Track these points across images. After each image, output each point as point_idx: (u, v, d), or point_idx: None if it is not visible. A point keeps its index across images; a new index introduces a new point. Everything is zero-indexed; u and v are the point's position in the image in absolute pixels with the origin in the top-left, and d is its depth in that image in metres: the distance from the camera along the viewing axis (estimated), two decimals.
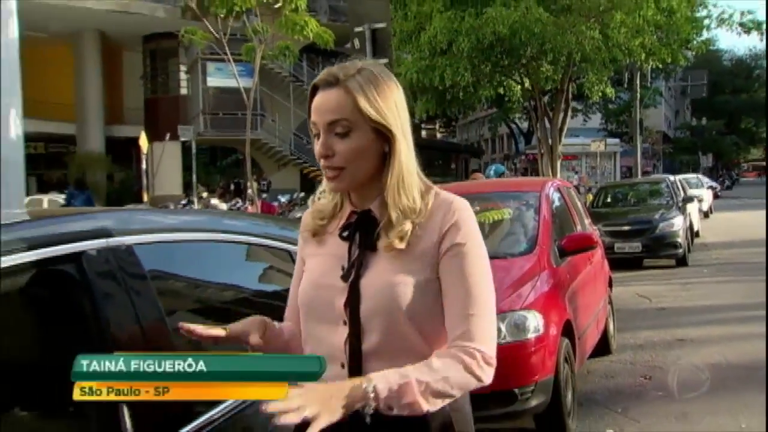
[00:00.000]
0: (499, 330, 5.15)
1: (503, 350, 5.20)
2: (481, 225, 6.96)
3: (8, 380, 1.98)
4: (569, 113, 22.92)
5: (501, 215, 6.94)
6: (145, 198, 23.55)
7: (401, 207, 1.82)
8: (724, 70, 70.45)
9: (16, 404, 2.08)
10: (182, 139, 24.93)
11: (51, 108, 28.11)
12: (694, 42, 20.63)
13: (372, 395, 1.64)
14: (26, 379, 2.02)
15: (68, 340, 1.98)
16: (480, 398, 3.72)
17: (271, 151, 32.26)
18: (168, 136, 26.15)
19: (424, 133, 48.18)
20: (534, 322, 5.25)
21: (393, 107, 1.84)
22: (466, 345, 1.76)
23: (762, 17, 19.45)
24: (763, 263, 13.38)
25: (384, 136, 1.83)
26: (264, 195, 25.43)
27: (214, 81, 30.97)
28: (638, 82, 30.09)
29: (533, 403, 5.16)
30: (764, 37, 20.10)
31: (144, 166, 23.67)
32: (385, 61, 9.81)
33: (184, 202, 23.56)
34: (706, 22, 19.87)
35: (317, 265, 1.92)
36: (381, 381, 1.66)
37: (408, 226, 1.81)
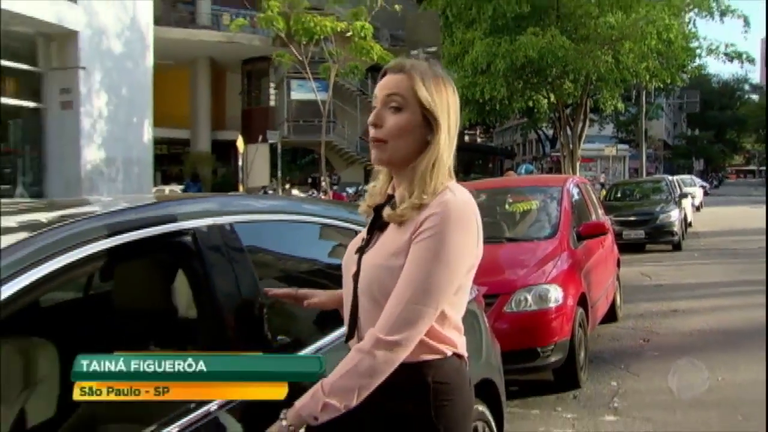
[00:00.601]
0: (525, 300, 5.14)
1: (529, 316, 5.27)
2: (512, 214, 6.92)
3: (143, 324, 2.03)
4: (587, 123, 22.59)
5: (529, 206, 6.88)
6: (241, 189, 23.85)
7: (416, 191, 1.64)
8: (713, 91, 69.89)
9: (150, 341, 2.13)
10: (270, 141, 25.18)
11: (172, 118, 28.61)
12: (689, 67, 20.58)
13: (284, 422, 1.48)
14: (156, 323, 2.08)
15: (186, 296, 2.01)
16: (509, 355, 3.74)
17: (341, 152, 32.41)
18: (260, 139, 26.42)
19: (467, 138, 47.80)
20: (555, 294, 5.22)
21: (444, 103, 1.69)
22: (370, 332, 1.57)
23: (742, 50, 19.43)
24: (739, 249, 13.36)
25: (430, 126, 1.67)
26: (335, 187, 25.59)
27: (296, 95, 31.22)
28: (644, 98, 29.70)
29: (552, 359, 5.14)
30: (744, 64, 19.95)
31: (240, 163, 23.97)
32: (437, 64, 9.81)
33: (270, 191, 23.80)
34: (698, 51, 19.71)
35: (354, 242, 1.81)
36: (291, 408, 1.49)
37: (408, 213, 1.63)
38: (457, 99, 1.77)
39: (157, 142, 20.08)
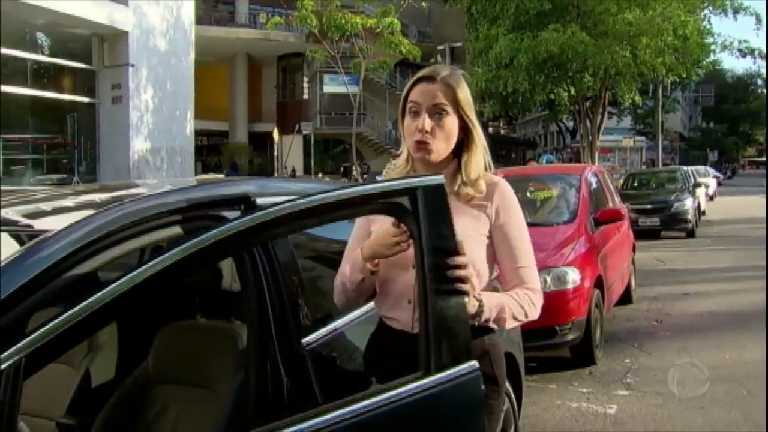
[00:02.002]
0: (544, 281, 5.13)
1: (547, 297, 5.14)
2: (534, 200, 6.92)
3: (191, 296, 2.10)
4: (606, 115, 22.32)
5: (550, 193, 6.87)
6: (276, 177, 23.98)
7: (470, 178, 1.83)
8: (727, 85, 68.72)
9: (198, 312, 2.20)
10: (304, 132, 25.31)
11: (212, 111, 28.89)
12: (704, 62, 20.13)
13: (483, 310, 1.70)
14: (203, 295, 2.15)
15: (229, 272, 2.06)
16: (529, 332, 3.77)
17: (371, 142, 32.42)
18: (296, 129, 26.57)
19: (490, 129, 47.50)
20: (573, 275, 5.22)
21: (471, 104, 1.85)
22: (529, 287, 1.83)
23: (755, 46, 18.95)
24: (750, 236, 13.18)
25: (463, 126, 1.84)
26: (365, 175, 25.65)
27: (328, 88, 31.26)
28: (660, 92, 29.20)
29: (570, 337, 5.15)
30: (757, 60, 19.48)
31: (275, 153, 24.14)
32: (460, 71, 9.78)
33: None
34: (713, 47, 19.27)
35: (362, 224, 1.92)
36: (488, 302, 1.72)
37: (472, 192, 1.83)
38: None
39: (198, 133, 20.31)
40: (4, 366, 0.98)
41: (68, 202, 1.94)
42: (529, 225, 6.03)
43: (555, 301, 5.08)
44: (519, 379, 3.29)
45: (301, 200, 1.45)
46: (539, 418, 4.37)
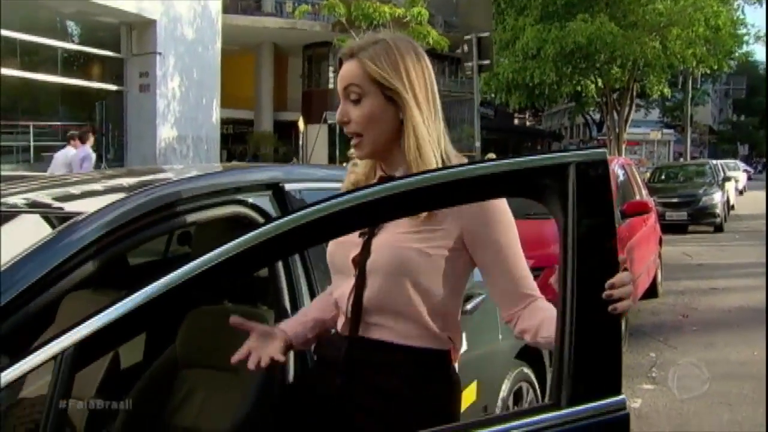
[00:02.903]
0: None
1: None
2: None
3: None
4: (633, 108, 22.07)
5: None
6: None
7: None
8: (759, 77, 67.04)
9: (225, 298, 2.21)
10: (329, 122, 25.34)
11: (237, 100, 29.01)
12: (736, 53, 19.79)
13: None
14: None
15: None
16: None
17: None
18: (323, 118, 26.63)
19: (516, 121, 47.25)
20: None
21: (402, 73, 1.47)
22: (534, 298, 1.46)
23: None
24: None
25: (397, 103, 1.47)
26: None
27: None
28: (690, 84, 28.76)
29: None
30: None
31: (301, 142, 24.21)
32: (487, 62, 9.71)
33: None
34: (746, 38, 18.90)
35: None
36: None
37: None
38: (422, 61, 1.52)
39: (224, 122, 20.43)
40: (53, 354, 0.96)
41: (97, 186, 1.95)
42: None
43: None
44: (544, 370, 3.27)
45: (405, 181, 1.16)
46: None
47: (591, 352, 1.18)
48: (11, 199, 1.86)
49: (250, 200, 1.74)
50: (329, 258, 1.54)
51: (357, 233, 1.47)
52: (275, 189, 1.86)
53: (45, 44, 13.70)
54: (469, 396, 2.46)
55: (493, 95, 21.40)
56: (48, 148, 14.47)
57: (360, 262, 1.45)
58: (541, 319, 1.41)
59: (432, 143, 1.47)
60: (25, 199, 1.84)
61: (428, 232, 1.44)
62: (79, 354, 0.95)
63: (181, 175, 1.96)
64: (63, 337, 0.94)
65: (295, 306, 1.83)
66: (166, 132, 14.70)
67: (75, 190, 1.98)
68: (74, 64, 15.03)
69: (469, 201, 1.35)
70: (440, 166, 1.45)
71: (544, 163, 1.23)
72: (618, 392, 1.18)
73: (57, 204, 1.75)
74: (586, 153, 1.22)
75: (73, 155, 9.63)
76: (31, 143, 14.03)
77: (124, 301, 0.98)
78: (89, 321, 0.96)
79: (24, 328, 1.20)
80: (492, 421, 1.19)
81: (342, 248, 1.49)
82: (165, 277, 1.01)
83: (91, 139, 10.07)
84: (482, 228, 1.46)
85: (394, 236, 1.44)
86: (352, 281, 1.47)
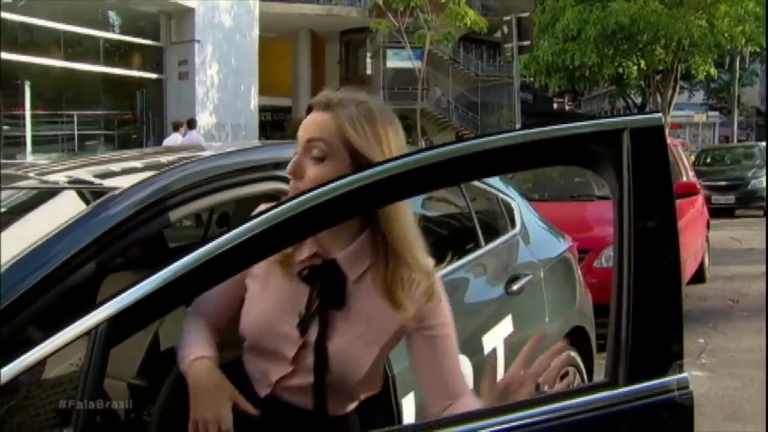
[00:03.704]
0: None
1: None
2: None
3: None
4: (677, 90, 21.53)
5: None
6: None
7: (409, 271, 1.34)
8: None
9: None
10: None
11: (275, 87, 29.13)
12: None
13: None
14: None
15: None
16: (598, 308, 3.62)
17: (434, 118, 32.19)
18: None
19: (555, 105, 46.56)
20: None
21: (384, 146, 1.32)
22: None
23: None
24: None
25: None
26: None
27: (391, 63, 31.16)
28: (738, 64, 27.91)
29: None
30: None
31: None
32: (527, 42, 9.54)
33: None
34: None
35: (269, 306, 1.38)
36: None
37: (410, 308, 1.34)
38: (401, 136, 1.39)
39: (262, 109, 20.54)
40: (86, 329, 0.93)
41: (136, 164, 1.93)
42: (598, 198, 5.84)
43: None
44: (591, 355, 3.19)
45: (449, 148, 1.08)
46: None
47: (650, 326, 1.11)
48: (51, 177, 1.85)
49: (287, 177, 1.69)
50: (252, 340, 1.38)
51: (292, 322, 1.33)
52: None
53: (87, 34, 13.90)
54: None
55: (532, 79, 21.06)
56: (91, 137, 14.74)
57: (317, 371, 1.33)
58: None
59: (413, 229, 1.36)
60: (66, 176, 1.83)
61: (376, 325, 1.36)
62: (113, 329, 0.91)
63: (218, 151, 1.93)
64: (96, 311, 0.91)
65: None
66: (204, 119, 14.83)
67: (114, 167, 1.96)
68: (115, 53, 15.24)
69: (516, 169, 1.32)
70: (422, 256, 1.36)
71: (596, 128, 1.16)
72: (680, 370, 1.11)
73: (97, 181, 1.73)
74: (641, 118, 1.15)
75: (182, 141, 9.94)
76: (75, 132, 14.29)
77: (159, 274, 0.94)
78: (124, 294, 0.92)
79: (61, 305, 1.17)
80: (544, 400, 1.13)
81: (274, 338, 1.35)
82: (200, 249, 0.96)
83: (197, 126, 10.40)
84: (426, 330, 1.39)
85: (349, 343, 1.34)
86: (284, 369, 1.34)
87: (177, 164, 1.59)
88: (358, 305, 1.35)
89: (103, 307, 0.91)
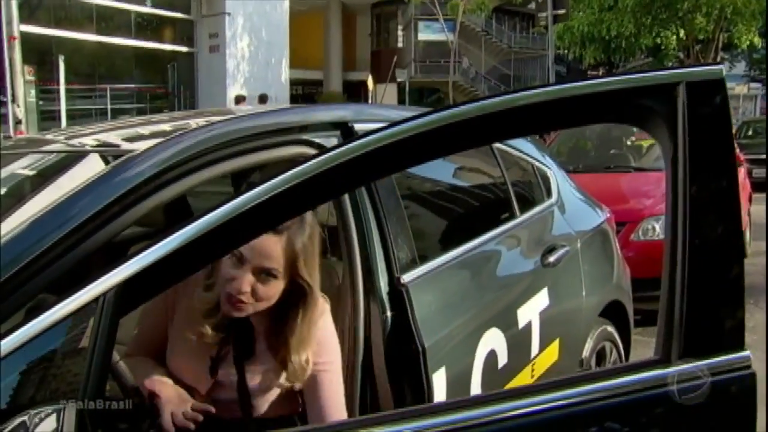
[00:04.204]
0: (653, 228, 4.86)
1: (657, 245, 4.94)
2: (639, 147, 6.52)
3: None
4: (718, 60, 20.88)
5: (654, 141, 6.45)
6: None
7: (303, 355, 1.52)
8: None
9: None
10: (399, 80, 25.11)
11: (306, 60, 29.01)
12: None
13: None
14: None
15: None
16: (634, 283, 3.53)
17: (465, 90, 31.79)
18: (390, 76, 26.39)
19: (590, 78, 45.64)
20: None
21: (313, 265, 1.52)
22: None
23: None
24: None
25: (301, 290, 1.50)
26: None
27: (423, 36, 30.81)
28: None
29: None
30: None
31: (369, 101, 24.06)
32: (562, 11, 9.28)
33: None
34: None
35: (186, 350, 1.54)
36: None
37: (309, 370, 1.53)
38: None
39: (293, 83, 20.45)
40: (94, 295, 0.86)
41: (166, 127, 1.86)
42: (635, 170, 5.67)
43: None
44: (628, 330, 3.09)
45: (490, 101, 1.01)
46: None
47: (707, 300, 1.03)
48: (76, 140, 1.80)
49: (317, 140, 1.61)
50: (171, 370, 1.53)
51: (204, 367, 1.50)
52: (344, 129, 1.72)
53: (119, 8, 13.92)
54: (550, 355, 2.31)
55: (566, 50, 20.63)
56: (123, 111, 14.84)
57: (243, 409, 1.52)
58: None
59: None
60: (95, 139, 1.78)
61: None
62: (123, 296, 0.84)
63: (245, 113, 1.86)
64: (104, 277, 0.84)
65: (366, 258, 1.71)
66: (235, 92, 14.81)
67: (144, 130, 1.90)
68: (147, 27, 15.27)
69: (558, 127, 1.23)
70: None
71: (648, 82, 1.06)
72: (740, 347, 1.04)
73: (126, 145, 1.66)
74: (699, 70, 1.05)
75: None
76: (108, 106, 14.40)
77: (173, 236, 0.86)
78: (135, 258, 0.86)
79: (80, 268, 1.11)
80: (590, 378, 1.04)
81: (189, 377, 1.52)
82: (218, 210, 0.89)
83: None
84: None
85: (266, 378, 1.52)
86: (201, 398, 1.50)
87: (203, 126, 1.53)
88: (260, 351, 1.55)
89: (109, 273, 0.84)
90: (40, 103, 13.06)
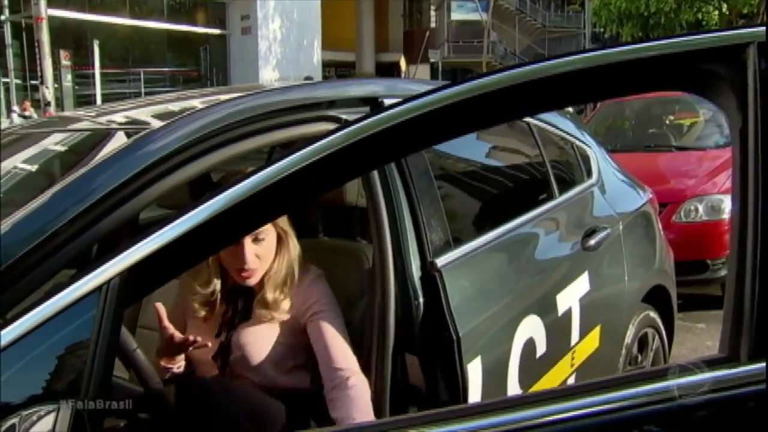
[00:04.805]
0: (696, 210, 4.68)
1: (700, 227, 4.78)
2: (680, 126, 6.30)
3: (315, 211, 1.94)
4: None
5: (696, 118, 6.22)
6: None
7: (278, 291, 1.67)
8: None
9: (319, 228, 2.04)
10: (432, 60, 24.87)
11: (338, 42, 28.86)
12: None
13: None
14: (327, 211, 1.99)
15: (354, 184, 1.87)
16: (678, 266, 3.40)
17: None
18: (421, 56, 26.18)
19: None
20: (728, 205, 4.69)
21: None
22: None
23: None
24: None
25: (278, 236, 1.68)
26: None
27: (456, 15, 30.43)
28: None
29: (722, 273, 4.65)
30: None
31: None
32: None
33: None
34: None
35: (195, 327, 1.72)
36: None
37: (286, 305, 1.68)
38: None
39: (325, 65, 20.39)
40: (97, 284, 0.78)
41: (195, 103, 1.79)
42: (677, 148, 5.46)
43: (707, 233, 4.63)
44: (671, 315, 2.96)
45: (532, 67, 0.91)
46: (686, 360, 3.98)
47: None
48: (103, 118, 1.74)
49: (345, 116, 1.52)
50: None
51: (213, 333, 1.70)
52: (374, 105, 1.62)
53: None
54: (590, 343, 2.20)
55: (602, 29, 20.13)
56: (157, 94, 14.94)
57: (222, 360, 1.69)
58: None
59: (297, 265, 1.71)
60: (124, 116, 1.72)
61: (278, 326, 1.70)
62: (129, 284, 0.76)
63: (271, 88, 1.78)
64: (108, 263, 0.76)
65: (398, 240, 1.62)
66: (267, 74, 14.80)
67: (174, 106, 1.83)
68: (179, 10, 15.30)
69: (607, 96, 1.12)
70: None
71: (712, 43, 0.92)
72: None
73: (156, 123, 1.60)
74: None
75: None
76: (142, 89, 14.50)
77: (183, 218, 0.78)
78: (142, 242, 0.77)
79: (101, 244, 1.04)
80: (644, 378, 0.93)
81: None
82: (231, 189, 0.80)
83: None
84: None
85: (254, 340, 1.68)
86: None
87: (231, 99, 1.46)
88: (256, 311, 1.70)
89: (114, 259, 0.76)
90: (76, 87, 13.20)
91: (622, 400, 0.87)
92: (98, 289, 0.75)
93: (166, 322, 1.57)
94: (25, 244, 0.94)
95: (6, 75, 13.25)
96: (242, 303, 1.71)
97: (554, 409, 0.86)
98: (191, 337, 1.58)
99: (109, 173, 1.13)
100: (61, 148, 1.59)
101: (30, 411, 0.74)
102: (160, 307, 1.56)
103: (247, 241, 1.60)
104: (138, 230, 1.36)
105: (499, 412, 0.86)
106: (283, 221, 1.67)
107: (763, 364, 0.85)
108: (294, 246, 1.70)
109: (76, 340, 0.77)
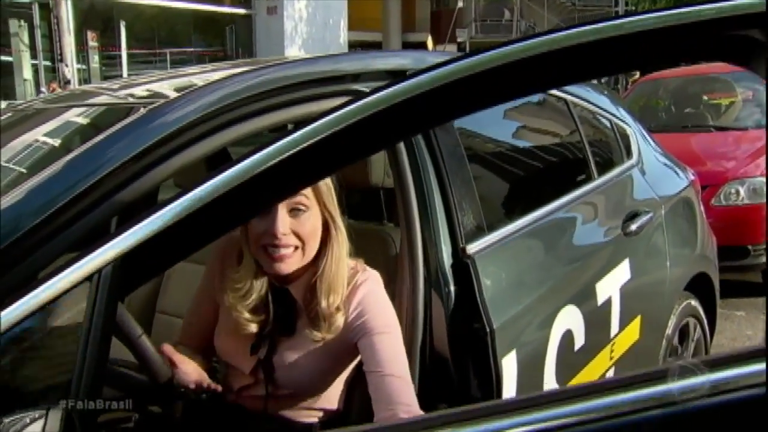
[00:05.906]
0: (737, 193, 4.50)
1: (741, 211, 4.59)
2: (718, 105, 6.09)
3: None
4: None
5: (734, 98, 5.99)
6: None
7: (332, 299, 1.38)
8: None
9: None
10: (459, 40, 24.65)
11: (365, 22, 28.66)
12: None
13: None
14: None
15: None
16: (719, 250, 3.25)
17: None
18: (449, 36, 25.94)
19: None
20: None
21: (335, 198, 1.42)
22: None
23: None
24: None
25: (324, 224, 1.41)
26: None
27: None
28: None
29: (763, 259, 4.49)
30: None
31: None
32: None
33: None
34: None
35: (231, 330, 1.46)
36: None
37: (340, 320, 1.39)
38: None
39: (351, 45, 20.20)
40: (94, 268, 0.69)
41: (217, 76, 1.70)
42: (715, 128, 5.25)
43: (749, 217, 4.46)
44: (713, 303, 2.82)
45: (559, 34, 0.82)
46: (725, 348, 3.83)
47: None
48: (123, 92, 1.66)
49: (368, 91, 1.41)
50: (222, 355, 1.52)
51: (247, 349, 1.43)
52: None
53: None
54: (630, 334, 2.08)
55: (634, 7, 19.70)
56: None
57: (266, 382, 1.43)
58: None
59: (346, 263, 1.43)
60: (146, 90, 1.64)
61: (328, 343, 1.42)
62: (121, 273, 0.67)
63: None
64: (100, 249, 0.66)
65: (428, 224, 1.52)
66: (293, 54, 14.69)
67: (197, 79, 1.75)
68: None
69: (638, 67, 1.01)
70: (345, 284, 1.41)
71: (753, 8, 0.80)
72: None
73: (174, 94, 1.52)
74: None
75: None
76: (169, 71, 14.50)
77: (181, 199, 0.68)
78: (137, 226, 0.68)
79: (121, 217, 0.97)
80: (680, 373, 0.79)
81: (234, 358, 1.48)
82: (236, 166, 0.70)
83: None
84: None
85: (296, 359, 1.42)
86: (245, 378, 1.47)
87: (252, 70, 1.38)
88: (302, 325, 1.43)
89: (107, 245, 0.67)
90: (103, 68, 13.23)
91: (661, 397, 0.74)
92: (88, 278, 0.66)
93: (178, 361, 1.34)
94: (35, 216, 0.89)
95: (35, 57, 13.34)
96: (282, 310, 1.44)
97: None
98: (213, 385, 1.39)
99: (122, 144, 1.06)
100: (82, 120, 1.52)
101: (15, 417, 0.65)
102: (168, 348, 1.32)
103: (282, 208, 1.34)
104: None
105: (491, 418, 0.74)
106: (332, 205, 1.41)
107: None
108: (344, 241, 1.43)
109: (65, 333, 0.69)
